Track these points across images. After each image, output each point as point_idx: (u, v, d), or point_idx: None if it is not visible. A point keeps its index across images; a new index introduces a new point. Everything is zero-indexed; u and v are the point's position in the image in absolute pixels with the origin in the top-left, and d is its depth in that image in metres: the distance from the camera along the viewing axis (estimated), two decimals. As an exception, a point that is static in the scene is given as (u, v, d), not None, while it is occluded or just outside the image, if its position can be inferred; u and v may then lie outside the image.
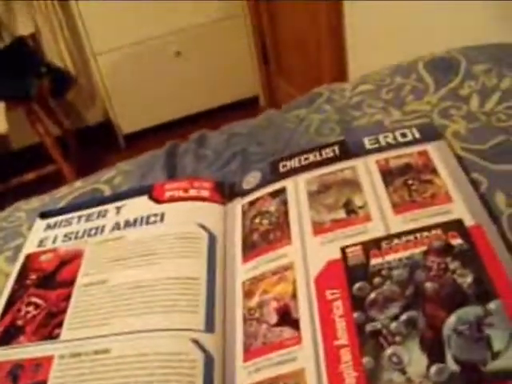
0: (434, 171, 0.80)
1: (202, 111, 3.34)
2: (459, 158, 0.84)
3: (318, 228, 0.77)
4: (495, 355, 0.56)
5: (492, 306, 0.60)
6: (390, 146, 0.87)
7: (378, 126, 0.99)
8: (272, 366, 0.64)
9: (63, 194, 1.08)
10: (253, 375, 0.65)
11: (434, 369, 0.57)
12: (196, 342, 0.69)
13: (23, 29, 2.98)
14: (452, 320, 0.60)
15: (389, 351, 0.60)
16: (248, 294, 0.74)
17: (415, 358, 0.58)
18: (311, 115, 1.10)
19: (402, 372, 0.58)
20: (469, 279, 0.63)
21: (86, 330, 0.74)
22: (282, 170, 0.90)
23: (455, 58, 1.12)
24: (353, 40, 2.28)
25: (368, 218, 0.76)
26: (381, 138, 0.89)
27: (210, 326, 0.72)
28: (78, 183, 1.11)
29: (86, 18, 2.99)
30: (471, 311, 0.60)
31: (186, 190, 0.92)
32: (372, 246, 0.71)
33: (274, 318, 0.69)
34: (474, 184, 0.79)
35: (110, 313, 0.75)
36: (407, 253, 0.68)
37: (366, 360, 0.60)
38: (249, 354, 0.67)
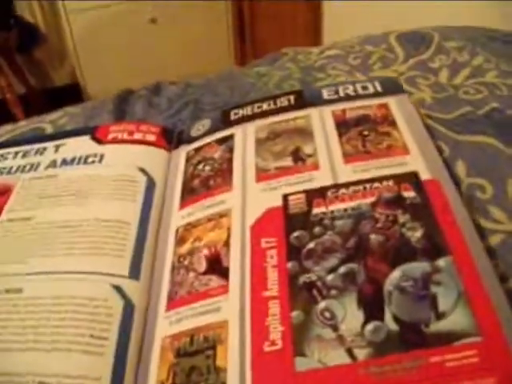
0: (393, 124, 0.75)
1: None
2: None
3: (262, 175, 0.72)
4: (440, 315, 0.51)
5: (441, 262, 0.55)
6: (349, 98, 0.82)
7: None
8: (194, 316, 0.59)
9: (5, 132, 1.02)
10: (174, 325, 0.59)
11: (369, 327, 0.51)
12: (117, 287, 0.64)
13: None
14: (395, 275, 0.54)
15: (322, 305, 0.54)
16: (180, 241, 0.68)
17: (350, 315, 0.53)
18: (272, 72, 1.06)
19: (333, 328, 0.52)
20: (418, 233, 0.58)
21: (0, 267, 0.68)
22: (233, 117, 0.84)
23: (429, 34, 1.08)
24: (330, 20, 2.28)
25: (315, 167, 0.70)
26: (340, 89, 0.84)
27: (134, 273, 0.66)
28: (22, 122, 1.05)
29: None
30: (418, 267, 0.55)
31: (130, 133, 0.87)
32: (316, 194, 0.65)
33: (202, 266, 0.63)
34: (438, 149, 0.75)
35: (28, 251, 0.70)
36: (354, 203, 0.63)
37: (295, 314, 0.54)
38: (172, 302, 0.62)
